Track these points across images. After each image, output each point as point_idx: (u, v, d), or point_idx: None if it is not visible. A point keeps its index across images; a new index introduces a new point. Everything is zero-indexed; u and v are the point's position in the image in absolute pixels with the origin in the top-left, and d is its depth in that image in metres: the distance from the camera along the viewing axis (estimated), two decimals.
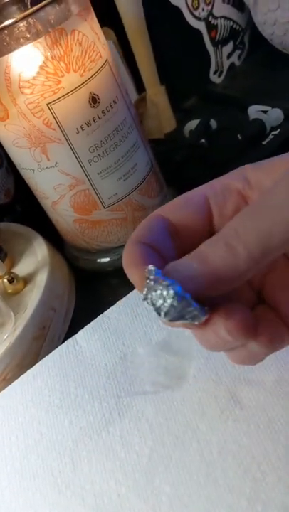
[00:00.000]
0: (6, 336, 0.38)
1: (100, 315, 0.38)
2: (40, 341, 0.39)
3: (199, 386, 0.30)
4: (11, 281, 0.42)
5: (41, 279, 0.42)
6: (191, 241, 0.23)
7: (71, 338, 0.37)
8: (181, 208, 0.23)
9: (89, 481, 0.28)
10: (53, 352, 0.37)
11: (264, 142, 0.50)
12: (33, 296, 0.41)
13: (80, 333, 0.37)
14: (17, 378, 0.38)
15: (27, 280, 0.43)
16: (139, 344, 0.35)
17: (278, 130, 0.51)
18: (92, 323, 0.38)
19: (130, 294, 0.39)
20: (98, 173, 0.39)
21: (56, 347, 0.41)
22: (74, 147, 0.38)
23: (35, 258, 0.45)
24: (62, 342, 0.41)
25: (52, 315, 0.41)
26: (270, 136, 0.51)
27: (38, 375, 0.35)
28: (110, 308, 0.38)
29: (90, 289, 0.46)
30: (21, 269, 0.45)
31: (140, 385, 0.32)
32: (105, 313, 0.38)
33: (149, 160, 0.43)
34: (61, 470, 0.29)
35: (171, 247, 0.23)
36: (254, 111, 0.52)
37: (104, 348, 0.36)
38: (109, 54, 0.39)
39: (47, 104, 0.35)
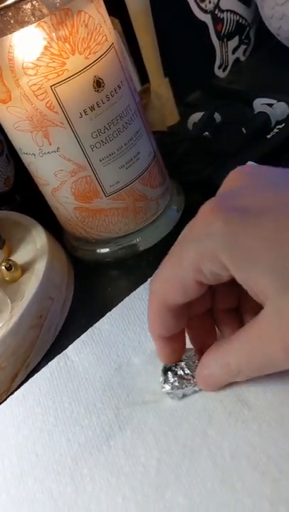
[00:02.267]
0: (1, 324, 0.37)
1: (90, 327, 0.37)
2: (37, 330, 0.38)
3: (203, 392, 0.29)
4: (8, 269, 0.41)
5: (39, 268, 0.41)
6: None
7: (61, 354, 0.36)
8: (180, 294, 0.26)
9: (94, 500, 0.26)
10: (42, 369, 0.35)
11: (268, 136, 0.49)
12: (30, 285, 0.40)
13: (71, 347, 0.36)
14: (12, 368, 0.37)
15: (25, 268, 0.42)
16: (133, 354, 0.34)
17: (283, 124, 0.50)
18: (82, 336, 0.37)
19: (119, 304, 0.38)
20: (100, 160, 0.39)
21: (53, 337, 0.40)
22: (77, 132, 0.37)
23: (34, 247, 0.44)
24: (59, 333, 0.41)
25: (49, 304, 0.40)
26: (275, 130, 0.50)
27: (29, 394, 0.34)
28: (101, 320, 0.37)
29: (88, 279, 0.45)
30: (20, 257, 0.44)
31: (139, 394, 0.31)
32: (96, 325, 0.37)
33: (152, 149, 0.42)
34: (62, 491, 0.27)
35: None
36: (259, 104, 0.51)
37: (98, 360, 0.34)
38: (115, 38, 0.38)
39: (50, 87, 0.34)
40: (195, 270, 0.24)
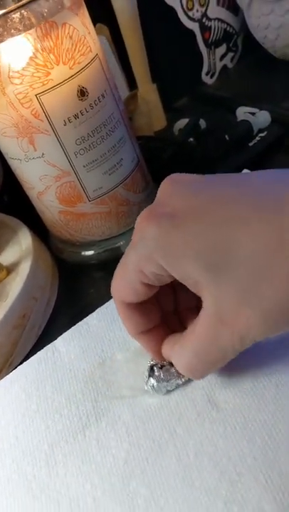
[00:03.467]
0: None
1: (80, 322, 0.38)
2: (20, 330, 0.40)
3: (177, 390, 0.31)
4: None
5: (24, 269, 0.42)
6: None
7: (50, 344, 0.37)
8: (132, 295, 0.28)
9: (64, 484, 0.28)
10: (31, 358, 0.37)
11: (250, 144, 0.51)
12: (15, 285, 0.41)
13: (59, 339, 0.38)
14: None
15: (10, 269, 0.43)
16: (117, 350, 0.35)
17: (265, 132, 0.51)
18: (71, 329, 0.38)
19: (110, 301, 0.39)
20: (84, 166, 0.40)
21: (36, 336, 0.41)
22: (61, 139, 0.38)
23: (20, 248, 0.45)
24: (43, 332, 0.42)
25: (33, 304, 0.41)
26: (257, 138, 0.51)
27: (16, 380, 0.35)
28: (90, 315, 0.39)
29: (72, 280, 0.47)
30: (5, 258, 0.45)
31: (118, 389, 0.32)
32: (85, 319, 0.38)
33: (136, 156, 0.44)
34: (36, 474, 0.29)
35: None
36: (242, 112, 0.53)
37: (83, 354, 0.36)
38: (100, 49, 0.39)
39: (36, 95, 0.36)
40: (138, 272, 0.27)
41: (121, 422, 0.30)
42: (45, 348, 0.37)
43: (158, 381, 0.31)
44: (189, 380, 0.31)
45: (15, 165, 0.42)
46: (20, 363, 0.39)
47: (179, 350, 0.28)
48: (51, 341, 0.38)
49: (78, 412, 0.32)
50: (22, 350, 0.40)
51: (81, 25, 0.37)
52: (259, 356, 0.30)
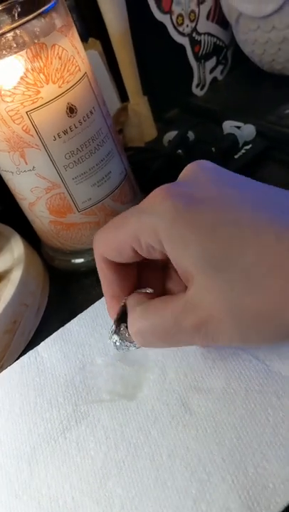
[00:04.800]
0: None
1: (62, 327, 0.40)
2: (11, 335, 0.41)
3: (153, 395, 0.32)
4: None
5: (15, 276, 0.44)
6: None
7: (33, 350, 0.39)
8: (116, 254, 0.30)
9: (45, 485, 0.30)
10: (14, 363, 0.38)
11: (236, 156, 0.53)
12: (6, 292, 0.43)
13: (42, 344, 0.39)
14: None
15: (2, 276, 0.45)
16: (97, 355, 0.36)
17: (250, 145, 0.53)
18: (53, 335, 0.39)
19: (90, 307, 0.41)
20: (73, 179, 0.42)
21: (26, 341, 0.43)
22: (51, 153, 0.40)
23: (12, 256, 0.47)
24: (33, 336, 0.44)
25: (24, 310, 0.43)
26: (242, 151, 0.53)
27: (0, 385, 0.37)
28: (71, 321, 0.40)
29: (63, 287, 0.48)
30: None
31: (97, 393, 0.34)
32: (66, 325, 0.40)
33: (124, 169, 0.46)
34: (18, 475, 0.31)
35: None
36: (228, 126, 0.55)
37: (65, 358, 0.37)
38: (88, 67, 0.41)
39: (26, 112, 0.38)
40: (133, 237, 0.27)
41: (100, 425, 0.31)
42: (28, 354, 0.39)
43: (121, 339, 0.31)
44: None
45: (7, 177, 0.44)
46: None
47: (140, 313, 0.29)
48: None
49: (59, 415, 0.33)
50: (13, 354, 0.41)
51: (70, 45, 0.39)
52: (230, 363, 0.32)
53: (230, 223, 0.24)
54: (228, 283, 0.24)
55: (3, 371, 0.38)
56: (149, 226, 0.26)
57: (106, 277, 0.31)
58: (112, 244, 0.29)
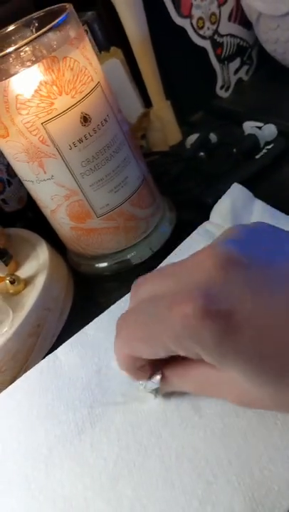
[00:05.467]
0: (3, 332, 0.42)
1: (79, 331, 0.41)
2: (35, 338, 0.43)
3: (165, 398, 0.33)
4: (12, 283, 0.46)
5: (39, 282, 0.46)
6: None
7: (52, 354, 0.40)
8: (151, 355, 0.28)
9: (60, 485, 0.31)
10: (34, 367, 0.39)
11: (257, 156, 0.53)
12: (30, 297, 0.44)
13: (60, 348, 0.40)
14: (11, 371, 0.41)
15: (28, 282, 0.47)
16: (112, 358, 0.36)
17: (272, 145, 0.53)
18: (71, 339, 0.41)
19: (106, 311, 0.42)
20: (90, 185, 0.43)
21: (50, 344, 0.44)
22: (67, 162, 0.41)
23: (38, 262, 0.49)
24: (56, 340, 0.45)
25: (46, 314, 0.44)
26: (264, 151, 0.53)
27: (19, 388, 0.38)
28: (88, 325, 0.41)
29: (87, 291, 0.50)
30: (24, 271, 0.49)
31: (112, 396, 0.34)
32: (83, 329, 0.41)
33: (141, 173, 0.47)
34: (35, 476, 0.32)
35: None
36: (248, 127, 0.54)
37: (82, 362, 0.38)
38: (102, 77, 0.42)
39: (42, 124, 0.39)
40: (168, 351, 0.26)
41: (113, 427, 0.32)
42: (47, 357, 0.40)
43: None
44: None
45: (29, 186, 0.45)
46: None
47: (181, 379, 0.30)
48: None
49: (75, 417, 0.34)
50: (37, 357, 0.43)
51: (82, 57, 0.40)
52: None
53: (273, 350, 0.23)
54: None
55: (24, 374, 0.39)
56: (188, 349, 0.25)
57: (134, 370, 0.31)
58: (147, 350, 0.28)
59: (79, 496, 0.30)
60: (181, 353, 0.26)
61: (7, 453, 0.34)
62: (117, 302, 0.42)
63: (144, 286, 0.28)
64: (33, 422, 0.35)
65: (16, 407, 0.37)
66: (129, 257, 0.49)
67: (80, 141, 0.41)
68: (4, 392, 0.38)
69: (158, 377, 0.31)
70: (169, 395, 0.33)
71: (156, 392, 0.33)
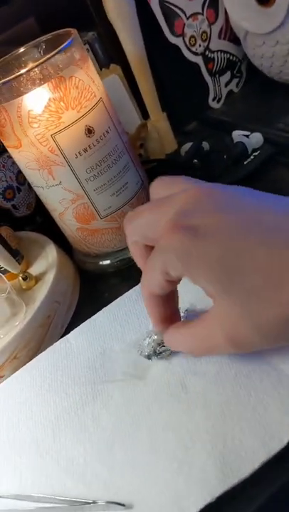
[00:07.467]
0: (17, 323, 0.47)
1: (87, 320, 0.46)
2: (45, 328, 0.48)
3: (158, 375, 0.38)
4: (24, 279, 0.51)
5: (49, 278, 0.51)
6: None
7: (64, 338, 0.45)
8: (160, 289, 0.34)
9: (64, 448, 0.36)
10: (48, 348, 0.45)
11: (245, 162, 0.58)
12: (41, 292, 0.49)
13: (72, 332, 0.45)
14: (25, 357, 0.46)
15: (38, 278, 0.52)
16: (116, 342, 0.42)
17: (258, 151, 0.58)
18: (81, 325, 0.46)
19: (113, 302, 0.47)
20: (94, 190, 0.48)
21: (60, 333, 0.49)
22: (74, 169, 0.46)
23: (47, 261, 0.54)
24: (65, 330, 0.50)
25: (56, 307, 0.49)
26: (251, 157, 0.58)
27: (35, 366, 0.44)
28: (97, 314, 0.46)
29: (93, 287, 0.55)
30: (35, 269, 0.53)
31: (113, 374, 0.40)
32: (92, 317, 0.46)
33: (140, 179, 0.52)
34: (44, 439, 0.37)
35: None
36: (237, 135, 0.59)
37: (89, 345, 0.43)
38: (104, 93, 0.48)
39: (51, 135, 0.44)
40: (163, 273, 0.31)
41: (112, 401, 0.37)
42: (60, 340, 0.45)
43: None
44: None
45: (39, 191, 0.50)
46: None
47: (179, 337, 0.35)
48: None
49: (80, 392, 0.39)
50: (48, 345, 0.47)
51: (86, 76, 0.45)
52: None
53: (233, 248, 0.28)
54: (242, 295, 0.28)
55: (40, 354, 0.44)
56: (169, 262, 0.30)
57: (155, 309, 0.36)
58: (153, 283, 0.33)
59: (80, 457, 0.35)
60: (171, 273, 0.31)
61: (22, 420, 0.39)
62: (122, 296, 0.47)
63: (137, 220, 0.35)
64: (44, 395, 0.41)
65: (32, 381, 0.42)
66: (130, 254, 0.53)
67: (85, 150, 0.46)
68: (23, 368, 0.44)
69: (155, 337, 0.38)
70: (161, 373, 0.38)
71: (148, 356, 0.39)
